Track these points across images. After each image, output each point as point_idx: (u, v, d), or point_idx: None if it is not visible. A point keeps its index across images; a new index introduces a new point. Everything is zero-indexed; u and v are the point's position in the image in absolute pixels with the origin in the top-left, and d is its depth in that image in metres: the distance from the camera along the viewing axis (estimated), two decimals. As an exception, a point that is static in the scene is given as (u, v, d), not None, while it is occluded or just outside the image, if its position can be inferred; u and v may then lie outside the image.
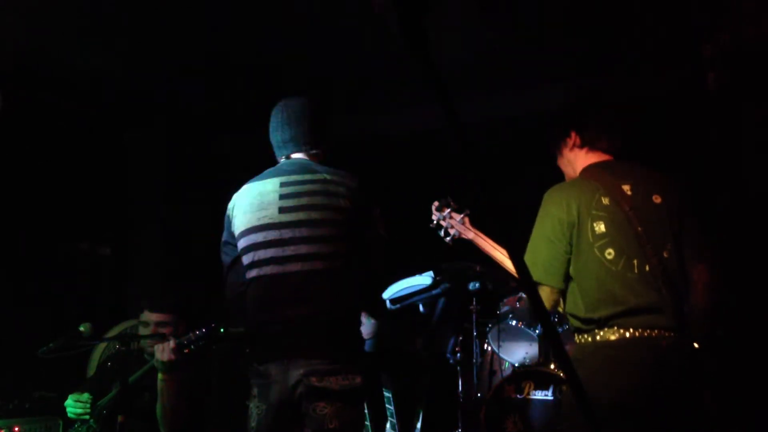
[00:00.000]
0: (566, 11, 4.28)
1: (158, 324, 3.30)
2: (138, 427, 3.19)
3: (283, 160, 2.70)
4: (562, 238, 2.34)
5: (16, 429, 3.81)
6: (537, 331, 4.27)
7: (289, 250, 2.47)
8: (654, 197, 2.38)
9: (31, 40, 4.44)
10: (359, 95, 5.29)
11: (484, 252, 2.81)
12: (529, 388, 3.96)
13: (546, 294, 2.36)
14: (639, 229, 2.30)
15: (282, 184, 2.56)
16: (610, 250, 2.29)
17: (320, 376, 2.36)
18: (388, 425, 3.93)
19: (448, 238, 2.95)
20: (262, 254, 2.50)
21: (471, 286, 3.85)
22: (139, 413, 3.20)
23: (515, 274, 2.52)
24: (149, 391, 3.19)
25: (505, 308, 4.40)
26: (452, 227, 2.91)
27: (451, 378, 4.27)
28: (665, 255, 2.31)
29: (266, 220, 2.52)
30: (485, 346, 4.55)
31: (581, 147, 2.53)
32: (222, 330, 3.01)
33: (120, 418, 3.03)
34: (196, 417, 3.26)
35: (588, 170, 2.48)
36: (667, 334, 2.24)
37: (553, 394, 3.89)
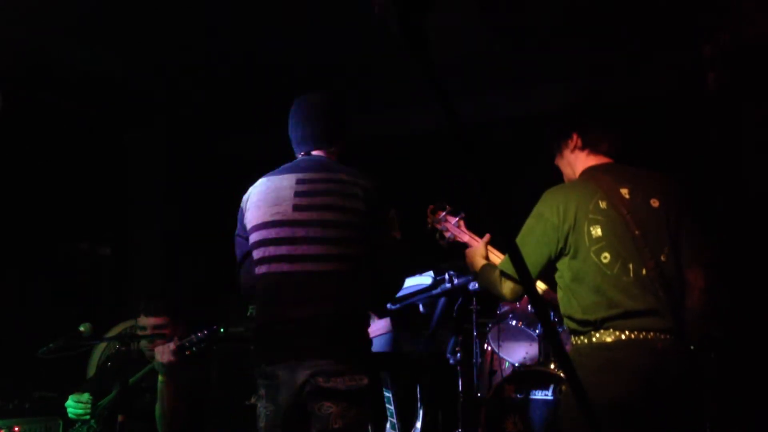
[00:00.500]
0: (566, 11, 4.28)
1: (155, 327, 3.29)
2: (138, 427, 3.19)
3: (301, 156, 2.67)
4: (549, 243, 2.36)
5: (16, 429, 3.81)
6: (537, 331, 4.27)
7: (300, 249, 2.45)
8: (652, 201, 2.38)
9: (31, 40, 4.44)
10: (359, 95, 5.29)
11: None
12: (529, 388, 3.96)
13: (509, 286, 2.43)
14: (636, 233, 2.31)
15: (298, 181, 2.53)
16: (606, 254, 2.29)
17: (327, 376, 2.34)
18: (388, 425, 3.92)
19: (443, 241, 2.95)
20: (273, 251, 2.48)
21: (471, 286, 3.84)
22: (139, 413, 3.20)
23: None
24: (149, 392, 3.19)
25: (504, 308, 4.40)
26: (447, 230, 2.92)
27: (451, 378, 4.26)
28: (662, 258, 2.31)
29: (279, 217, 2.49)
30: (485, 346, 4.55)
31: (582, 149, 2.53)
32: (222, 330, 3.01)
33: (120, 419, 3.03)
34: (195, 417, 3.26)
35: (588, 172, 2.48)
36: (663, 337, 2.25)
37: (553, 394, 3.89)
